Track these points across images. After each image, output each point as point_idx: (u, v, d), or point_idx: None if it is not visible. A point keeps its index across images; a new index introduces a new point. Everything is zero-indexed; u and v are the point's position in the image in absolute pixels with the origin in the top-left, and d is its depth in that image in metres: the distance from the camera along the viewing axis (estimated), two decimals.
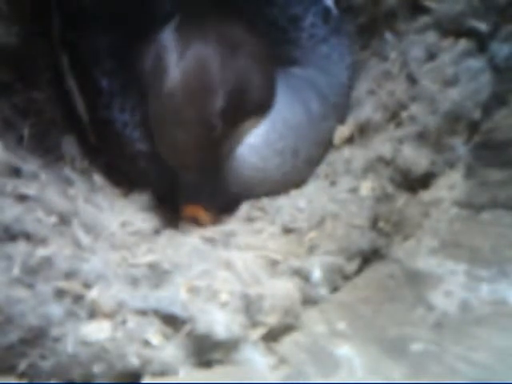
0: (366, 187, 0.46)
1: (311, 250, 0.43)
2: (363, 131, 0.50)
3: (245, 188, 0.48)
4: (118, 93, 0.49)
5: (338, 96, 0.51)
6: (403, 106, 0.49)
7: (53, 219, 0.42)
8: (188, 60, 0.42)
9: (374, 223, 0.44)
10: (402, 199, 0.46)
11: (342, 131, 0.50)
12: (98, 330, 0.35)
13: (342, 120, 0.51)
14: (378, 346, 0.34)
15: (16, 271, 0.36)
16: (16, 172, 0.43)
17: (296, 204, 0.47)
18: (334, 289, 0.41)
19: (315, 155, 0.50)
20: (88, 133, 0.51)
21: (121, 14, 0.49)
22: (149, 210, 0.49)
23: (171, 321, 0.36)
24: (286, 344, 0.37)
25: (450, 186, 0.45)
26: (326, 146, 0.51)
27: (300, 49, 0.50)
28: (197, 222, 0.46)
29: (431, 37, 0.50)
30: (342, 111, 0.52)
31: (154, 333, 0.35)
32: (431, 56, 0.49)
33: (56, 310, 0.35)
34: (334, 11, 0.52)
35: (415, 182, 0.46)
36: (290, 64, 0.50)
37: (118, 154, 0.50)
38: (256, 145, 0.47)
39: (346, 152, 0.49)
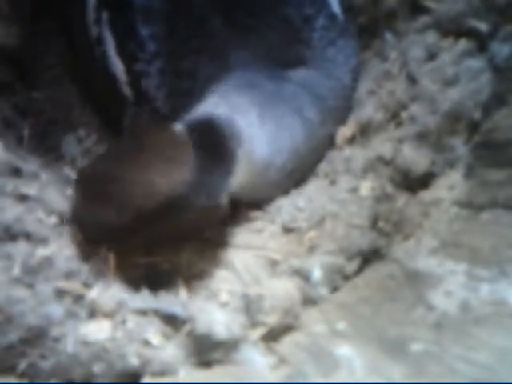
0: (366, 187, 0.46)
1: (311, 249, 0.43)
2: (364, 131, 0.50)
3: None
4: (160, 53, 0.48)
5: (339, 99, 0.51)
6: (403, 106, 0.49)
7: (53, 219, 0.42)
8: None
9: (374, 223, 0.44)
10: (402, 199, 0.46)
11: (344, 132, 0.50)
12: (97, 330, 0.35)
13: (342, 123, 0.51)
14: (378, 346, 0.34)
15: (16, 271, 0.36)
16: (16, 172, 0.43)
17: (296, 203, 0.47)
18: (334, 289, 0.41)
19: (311, 162, 0.50)
20: (122, 84, 0.50)
21: None
22: None
23: (171, 321, 0.36)
24: (286, 344, 0.37)
25: (449, 186, 0.45)
26: (324, 150, 0.51)
27: (310, 50, 0.51)
28: None
29: (431, 37, 0.50)
30: (342, 114, 0.51)
31: (153, 333, 0.35)
32: (431, 56, 0.49)
33: (56, 309, 0.35)
34: (341, 16, 0.52)
35: (415, 182, 0.46)
36: (297, 65, 0.50)
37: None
38: (252, 176, 0.45)
39: (346, 151, 0.49)
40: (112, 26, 0.50)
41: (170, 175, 0.36)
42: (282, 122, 0.47)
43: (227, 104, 0.45)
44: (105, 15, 0.50)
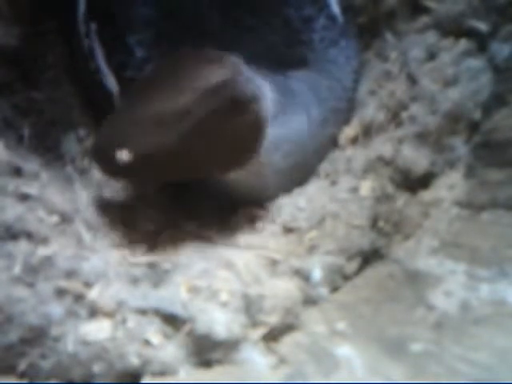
0: (366, 187, 0.46)
1: (311, 249, 0.43)
2: (366, 132, 0.50)
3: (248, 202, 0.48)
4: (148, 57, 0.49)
5: (340, 101, 0.51)
6: (403, 106, 0.49)
7: (54, 218, 0.42)
8: None
9: (373, 223, 0.44)
10: (401, 199, 0.46)
11: (348, 132, 0.50)
12: (98, 330, 0.35)
13: (343, 124, 0.51)
14: (378, 346, 0.34)
15: (17, 270, 0.36)
16: (17, 171, 0.43)
17: (296, 203, 0.47)
18: (334, 289, 0.41)
19: (314, 163, 0.50)
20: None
21: None
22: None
23: (171, 320, 0.36)
24: (286, 344, 0.37)
25: (450, 186, 0.45)
26: (325, 151, 0.51)
27: (311, 51, 0.50)
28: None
29: (431, 37, 0.50)
30: (343, 116, 0.51)
31: (154, 332, 0.35)
32: (431, 56, 0.49)
33: (56, 309, 0.35)
34: (340, 17, 0.52)
35: (415, 182, 0.46)
36: (298, 66, 0.50)
37: None
38: (260, 168, 0.45)
39: (348, 151, 0.49)
40: (100, 36, 0.50)
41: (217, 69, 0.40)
42: (290, 117, 0.47)
43: None
44: (93, 27, 0.50)
